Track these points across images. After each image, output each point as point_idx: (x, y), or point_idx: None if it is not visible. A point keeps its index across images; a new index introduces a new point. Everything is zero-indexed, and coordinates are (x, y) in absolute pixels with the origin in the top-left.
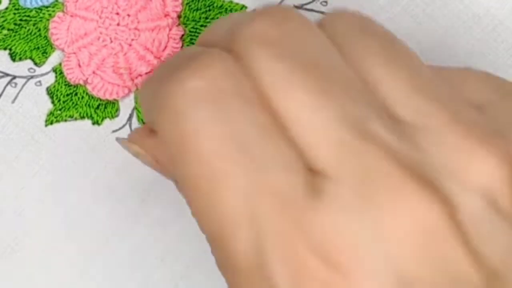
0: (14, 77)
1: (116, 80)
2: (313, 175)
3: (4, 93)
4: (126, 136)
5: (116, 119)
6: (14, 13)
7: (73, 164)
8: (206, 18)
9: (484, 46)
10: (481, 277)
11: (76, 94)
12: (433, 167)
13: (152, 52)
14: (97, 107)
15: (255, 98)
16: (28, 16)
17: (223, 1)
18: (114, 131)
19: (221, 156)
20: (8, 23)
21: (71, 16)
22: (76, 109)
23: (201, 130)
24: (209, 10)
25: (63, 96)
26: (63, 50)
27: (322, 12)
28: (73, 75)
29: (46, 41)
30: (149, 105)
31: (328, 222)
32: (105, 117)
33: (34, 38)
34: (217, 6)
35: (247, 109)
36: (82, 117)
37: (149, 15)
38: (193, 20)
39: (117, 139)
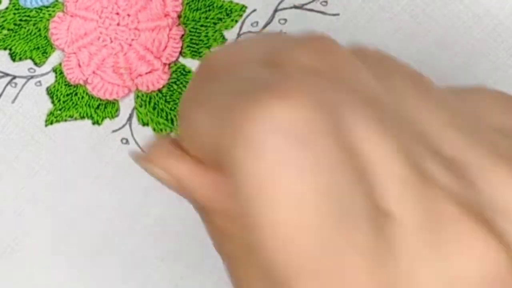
0: (14, 77)
1: (116, 80)
2: (378, 212)
3: (4, 93)
4: (126, 135)
5: (116, 119)
6: (14, 13)
7: (73, 164)
8: (206, 18)
9: (484, 46)
10: None
11: (76, 94)
12: (489, 206)
13: (152, 52)
14: (97, 107)
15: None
16: (28, 16)
17: (223, 1)
18: (114, 131)
19: (312, 216)
20: (8, 23)
21: (71, 16)
22: (76, 109)
23: (291, 178)
24: (209, 10)
25: (63, 96)
26: (63, 50)
27: (322, 12)
28: (73, 75)
29: (46, 41)
30: (200, 123)
31: (407, 275)
32: (105, 117)
33: (34, 38)
34: (217, 6)
35: (340, 152)
36: (82, 117)
37: (149, 15)
38: (193, 20)
39: (133, 155)
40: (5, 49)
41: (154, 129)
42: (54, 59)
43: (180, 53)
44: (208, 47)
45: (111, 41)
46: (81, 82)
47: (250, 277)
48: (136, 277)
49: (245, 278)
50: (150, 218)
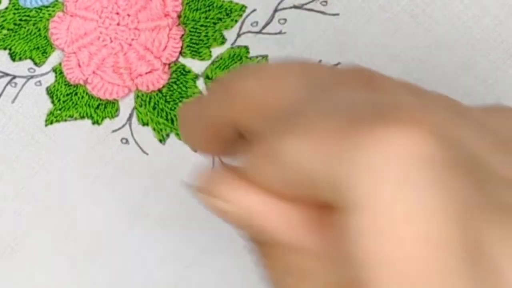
0: (14, 77)
1: (116, 80)
2: None
3: (4, 93)
4: (126, 135)
5: (116, 119)
6: (14, 13)
7: (73, 164)
8: (206, 18)
9: (484, 46)
10: None
11: (76, 94)
12: None
13: (152, 52)
14: (97, 107)
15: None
16: (28, 16)
17: (223, 1)
18: (114, 131)
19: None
20: (8, 23)
21: (71, 16)
22: (76, 109)
23: (423, 219)
24: (209, 10)
25: (63, 96)
26: (63, 50)
27: (322, 12)
28: (73, 75)
29: (46, 41)
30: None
31: None
32: (105, 117)
33: (34, 38)
34: (217, 6)
35: (476, 186)
36: (82, 117)
37: (149, 15)
38: (193, 20)
39: (187, 185)
40: (5, 49)
41: (154, 129)
42: (54, 59)
43: (180, 53)
44: (208, 47)
45: (111, 41)
46: (81, 82)
47: None
48: (136, 277)
49: None
50: (150, 218)
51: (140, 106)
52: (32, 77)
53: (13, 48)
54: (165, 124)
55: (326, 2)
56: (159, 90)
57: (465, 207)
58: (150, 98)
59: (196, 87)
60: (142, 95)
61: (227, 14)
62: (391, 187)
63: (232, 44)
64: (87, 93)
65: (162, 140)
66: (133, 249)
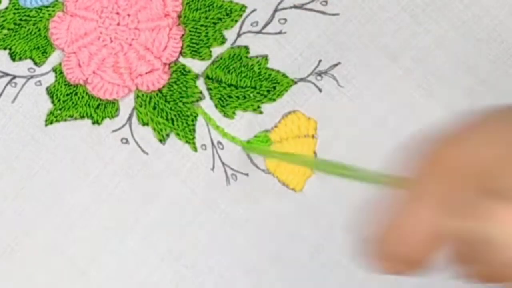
0: (14, 77)
1: (116, 80)
2: None
3: (4, 93)
4: (126, 135)
5: (116, 118)
6: (14, 13)
7: (73, 164)
8: (206, 18)
9: (484, 46)
10: None
11: (76, 94)
12: None
13: (152, 52)
14: (97, 107)
15: None
16: (28, 16)
17: (223, 1)
18: (114, 131)
19: None
20: (8, 23)
21: (71, 16)
22: (76, 108)
23: None
24: (209, 10)
25: (63, 96)
26: (63, 50)
27: (322, 12)
28: (73, 75)
29: (46, 41)
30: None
31: None
32: (105, 117)
33: (34, 38)
34: (217, 6)
35: None
36: (82, 117)
37: (149, 15)
38: (193, 20)
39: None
40: (5, 48)
41: (154, 129)
42: (54, 59)
43: (180, 53)
44: (208, 47)
45: (111, 41)
46: (81, 82)
47: None
48: (136, 277)
49: None
50: (150, 218)
51: (140, 106)
52: (32, 77)
53: (13, 48)
54: (165, 124)
55: (326, 2)
56: (159, 90)
57: None
58: (150, 98)
59: (196, 87)
60: (142, 95)
61: (227, 14)
62: None
63: (232, 44)
64: (87, 93)
65: (162, 140)
66: (133, 249)
